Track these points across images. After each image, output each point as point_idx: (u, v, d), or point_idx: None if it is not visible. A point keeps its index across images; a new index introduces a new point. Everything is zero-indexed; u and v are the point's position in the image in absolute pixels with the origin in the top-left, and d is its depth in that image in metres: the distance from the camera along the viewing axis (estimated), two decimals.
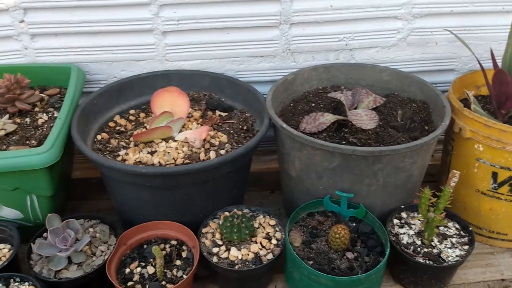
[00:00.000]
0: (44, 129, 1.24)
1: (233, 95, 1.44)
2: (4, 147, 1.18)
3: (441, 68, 1.54)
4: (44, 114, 1.30)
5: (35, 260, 1.15)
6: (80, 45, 1.38)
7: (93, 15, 1.34)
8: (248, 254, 1.15)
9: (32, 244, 1.16)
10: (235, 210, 1.24)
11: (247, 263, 1.13)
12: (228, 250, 1.16)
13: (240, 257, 1.14)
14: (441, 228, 1.23)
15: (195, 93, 1.45)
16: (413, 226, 1.23)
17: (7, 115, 1.27)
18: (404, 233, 1.21)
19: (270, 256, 1.14)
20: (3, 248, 1.19)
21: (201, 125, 1.35)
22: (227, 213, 1.23)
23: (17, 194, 1.16)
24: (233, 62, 1.47)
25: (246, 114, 1.39)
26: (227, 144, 1.28)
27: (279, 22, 1.40)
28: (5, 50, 1.38)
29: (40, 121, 1.27)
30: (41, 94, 1.35)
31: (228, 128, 1.34)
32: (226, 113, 1.41)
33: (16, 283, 1.09)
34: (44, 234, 1.19)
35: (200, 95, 1.45)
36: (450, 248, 1.18)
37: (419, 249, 1.17)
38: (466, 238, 1.21)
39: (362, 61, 1.48)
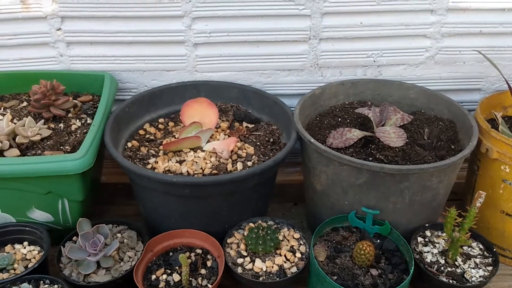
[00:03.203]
0: (78, 135, 1.27)
1: (260, 107, 1.46)
2: (39, 151, 1.22)
3: (467, 87, 1.55)
4: (77, 120, 1.33)
5: (65, 263, 1.17)
6: (114, 54, 1.42)
7: (128, 25, 1.37)
8: (272, 266, 1.16)
9: (62, 247, 1.19)
10: (259, 221, 1.26)
11: (271, 275, 1.14)
12: (252, 261, 1.17)
13: (264, 269, 1.15)
14: (464, 248, 1.23)
15: (222, 104, 1.48)
16: (437, 245, 1.23)
17: (42, 120, 1.31)
18: (428, 252, 1.21)
19: (294, 269, 1.15)
20: (33, 250, 1.22)
21: (228, 136, 1.37)
22: (252, 224, 1.25)
23: (49, 197, 1.19)
24: (261, 74, 1.49)
25: (273, 127, 1.41)
26: (254, 156, 1.29)
27: (308, 37, 1.42)
28: (42, 57, 1.42)
29: (73, 127, 1.31)
30: (75, 101, 1.39)
31: (254, 140, 1.36)
32: (253, 125, 1.43)
33: (46, 286, 1.12)
34: (74, 238, 1.22)
35: (228, 106, 1.48)
36: (473, 268, 1.18)
37: (442, 268, 1.17)
38: (490, 259, 1.21)
39: (389, 77, 1.50)
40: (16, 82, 1.42)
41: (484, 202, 1.14)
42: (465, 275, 1.16)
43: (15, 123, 1.25)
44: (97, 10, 1.35)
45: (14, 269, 1.16)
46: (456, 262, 1.19)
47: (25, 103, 1.40)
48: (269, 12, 1.38)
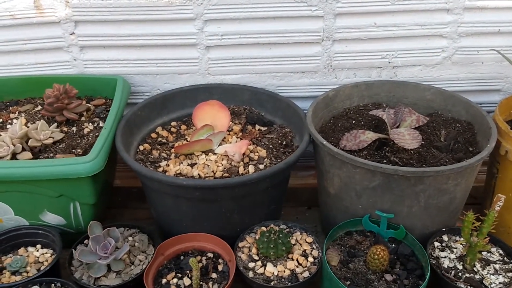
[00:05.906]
0: (90, 138, 1.28)
1: (273, 110, 1.45)
2: (51, 154, 1.22)
3: (486, 88, 1.51)
4: (90, 124, 1.34)
5: (76, 266, 1.17)
6: (127, 57, 1.42)
7: (140, 29, 1.38)
8: (284, 271, 1.14)
9: (73, 250, 1.19)
10: (272, 225, 1.24)
11: (283, 280, 1.12)
12: (264, 265, 1.15)
13: (276, 274, 1.13)
14: (484, 253, 1.19)
15: (235, 107, 1.47)
16: (454, 250, 1.20)
17: (55, 124, 1.32)
18: (445, 257, 1.18)
19: (306, 274, 1.13)
20: (46, 253, 1.23)
21: (241, 139, 1.36)
22: (264, 228, 1.23)
23: (61, 200, 1.20)
24: (274, 77, 1.48)
25: (286, 129, 1.39)
26: (266, 159, 1.28)
27: (321, 39, 1.40)
28: (55, 61, 1.43)
29: (86, 131, 1.31)
30: (88, 104, 1.40)
31: (267, 143, 1.35)
32: (266, 128, 1.42)
33: None
34: (85, 241, 1.22)
35: (240, 109, 1.46)
36: (493, 274, 1.14)
37: (460, 274, 1.14)
38: (511, 265, 1.16)
39: (404, 79, 1.47)
40: (30, 86, 1.44)
41: (503, 205, 1.11)
42: (484, 282, 1.12)
43: (28, 127, 1.26)
44: (110, 14, 1.35)
45: (27, 272, 1.17)
46: (474, 268, 1.15)
47: (39, 107, 1.41)
48: (281, 14, 1.36)
